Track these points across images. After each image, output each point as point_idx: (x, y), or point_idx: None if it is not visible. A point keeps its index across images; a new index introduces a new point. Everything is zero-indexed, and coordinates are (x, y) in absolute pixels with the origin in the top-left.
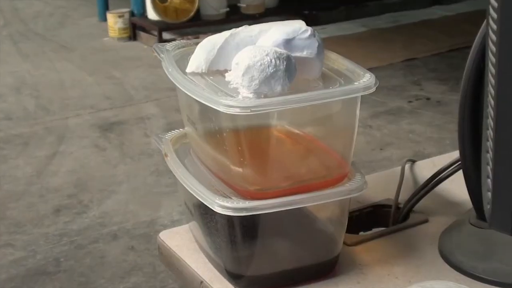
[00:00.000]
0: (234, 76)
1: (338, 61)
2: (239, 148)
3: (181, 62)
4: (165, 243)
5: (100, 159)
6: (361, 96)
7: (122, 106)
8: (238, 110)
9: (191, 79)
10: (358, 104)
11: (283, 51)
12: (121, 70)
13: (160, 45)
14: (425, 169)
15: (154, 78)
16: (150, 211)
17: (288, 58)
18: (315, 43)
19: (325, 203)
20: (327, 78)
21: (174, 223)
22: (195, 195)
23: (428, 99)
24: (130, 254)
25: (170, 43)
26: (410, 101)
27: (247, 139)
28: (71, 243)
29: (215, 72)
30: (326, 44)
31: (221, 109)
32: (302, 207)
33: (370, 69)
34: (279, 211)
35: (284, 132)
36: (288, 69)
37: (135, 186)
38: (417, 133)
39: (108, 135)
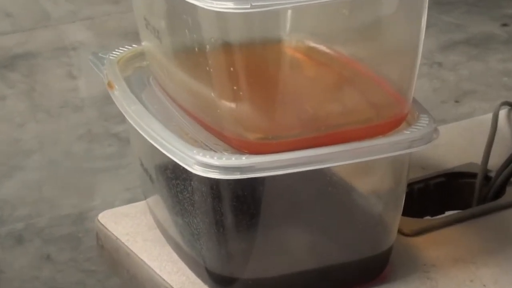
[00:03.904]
0: None
1: None
2: (231, 69)
3: None
4: (108, 230)
5: None
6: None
7: (32, 29)
8: (230, 5)
9: None
10: (425, 4)
11: None
12: None
13: None
14: None
15: None
16: (79, 198)
17: None
18: None
19: (369, 162)
20: None
21: None
22: (159, 147)
23: None
24: (44, 268)
25: None
26: (504, 24)
27: (245, 57)
28: None
29: None
30: None
31: (201, 3)
32: (331, 170)
33: None
34: (294, 173)
35: (304, 50)
36: None
37: (53, 158)
38: None
39: (9, 76)
